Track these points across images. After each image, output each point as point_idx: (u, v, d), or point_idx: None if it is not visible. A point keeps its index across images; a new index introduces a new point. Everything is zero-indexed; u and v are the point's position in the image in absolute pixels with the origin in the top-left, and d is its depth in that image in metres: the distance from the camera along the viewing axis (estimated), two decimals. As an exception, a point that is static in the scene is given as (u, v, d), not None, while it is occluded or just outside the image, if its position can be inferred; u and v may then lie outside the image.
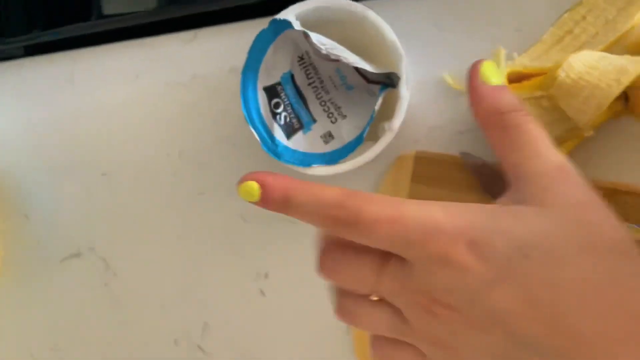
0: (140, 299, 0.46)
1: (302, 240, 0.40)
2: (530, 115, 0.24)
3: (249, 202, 0.24)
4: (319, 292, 0.40)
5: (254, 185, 0.24)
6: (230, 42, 0.42)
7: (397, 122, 0.32)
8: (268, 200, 0.24)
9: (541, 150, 0.24)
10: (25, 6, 0.46)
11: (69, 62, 0.47)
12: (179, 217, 0.44)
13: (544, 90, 0.30)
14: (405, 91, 0.32)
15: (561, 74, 0.29)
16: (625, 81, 0.28)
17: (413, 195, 0.37)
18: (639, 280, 0.21)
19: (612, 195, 0.33)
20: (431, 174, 0.37)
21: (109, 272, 0.47)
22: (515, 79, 0.32)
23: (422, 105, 0.38)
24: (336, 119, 0.35)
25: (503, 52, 0.32)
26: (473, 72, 0.25)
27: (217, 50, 0.42)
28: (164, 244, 0.45)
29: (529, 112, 0.24)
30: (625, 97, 0.33)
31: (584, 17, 0.33)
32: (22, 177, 0.48)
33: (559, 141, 0.32)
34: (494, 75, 0.25)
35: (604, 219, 0.22)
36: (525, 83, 0.32)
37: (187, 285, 0.44)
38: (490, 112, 0.25)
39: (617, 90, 0.28)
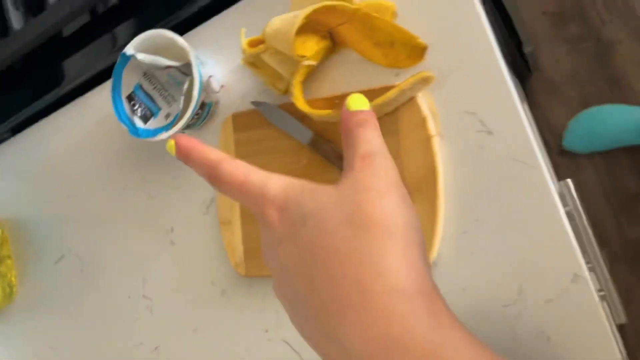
0: (102, 274, 0.64)
1: (192, 203, 0.58)
2: (367, 124, 0.29)
3: (172, 154, 0.32)
4: (209, 234, 0.57)
5: (172, 143, 0.31)
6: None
7: (195, 91, 0.51)
8: (178, 154, 0.31)
9: (358, 145, 0.29)
10: (6, 90, 0.69)
11: (37, 131, 0.69)
12: (112, 207, 0.63)
13: (267, 44, 0.48)
14: (195, 71, 0.51)
15: (266, 30, 0.47)
16: (297, 23, 0.46)
17: (238, 139, 0.55)
18: (372, 254, 0.25)
19: (344, 97, 0.49)
20: (244, 123, 0.55)
21: (82, 263, 0.66)
22: (255, 44, 0.50)
23: (235, 86, 0.56)
24: (171, 104, 0.55)
25: (243, 31, 0.50)
26: (344, 103, 0.31)
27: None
28: (109, 232, 0.64)
29: (369, 123, 0.30)
30: (331, 37, 0.50)
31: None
32: (23, 216, 0.70)
33: (294, 73, 0.50)
34: (355, 103, 0.30)
35: (375, 202, 0.26)
36: (261, 45, 0.50)
37: (127, 256, 0.63)
38: (342, 129, 0.30)
39: (293, 30, 0.45)
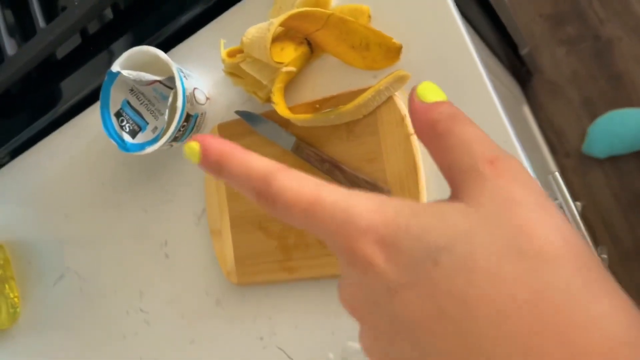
0: (101, 291, 0.65)
1: (184, 215, 0.59)
2: (465, 120, 0.22)
3: (193, 162, 0.23)
4: (201, 245, 0.58)
5: (195, 146, 0.23)
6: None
7: (179, 102, 0.52)
8: (205, 163, 0.23)
9: (472, 147, 0.21)
10: (4, 115, 0.71)
11: (34, 153, 0.71)
12: (108, 224, 0.64)
13: (245, 52, 0.49)
14: (178, 83, 0.52)
15: (243, 39, 0.48)
16: (272, 29, 0.46)
17: (224, 151, 0.55)
18: (572, 297, 0.17)
19: (327, 100, 0.50)
20: (229, 133, 0.55)
21: (81, 280, 0.67)
22: (234, 54, 0.51)
23: (220, 97, 0.57)
24: (158, 118, 0.56)
25: (223, 42, 0.51)
26: (411, 95, 0.23)
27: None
28: (106, 248, 0.65)
29: (464, 117, 0.22)
30: (309, 44, 0.51)
31: None
32: (23, 238, 0.71)
33: (274, 80, 0.50)
34: (429, 93, 0.23)
35: (539, 220, 0.18)
36: (239, 54, 0.50)
37: (123, 271, 0.63)
38: (424, 126, 0.23)
39: (268, 37, 0.46)
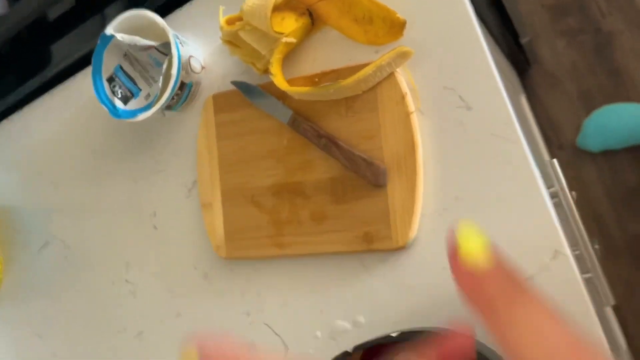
0: (87, 260, 0.64)
1: (174, 186, 0.57)
2: (526, 297, 0.21)
3: None
4: (191, 218, 0.56)
5: (194, 356, 0.22)
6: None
7: (174, 69, 0.50)
8: None
9: (542, 332, 0.20)
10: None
11: (22, 117, 0.69)
12: (97, 193, 0.63)
13: (244, 21, 0.48)
14: (174, 49, 0.50)
15: (243, 6, 0.47)
16: (273, -3, 0.45)
17: (219, 120, 0.54)
18: None
19: (327, 74, 0.49)
20: (224, 104, 0.54)
21: (66, 249, 0.65)
22: (233, 22, 0.49)
23: (216, 66, 0.56)
24: (152, 85, 0.54)
25: (222, 9, 0.50)
26: (452, 254, 0.22)
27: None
28: (93, 217, 0.63)
29: (525, 292, 0.21)
30: (311, 15, 0.50)
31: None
32: (7, 203, 0.70)
33: (272, 52, 0.49)
34: (472, 248, 0.22)
35: None
36: (238, 22, 0.49)
37: (110, 241, 0.62)
38: (475, 295, 0.22)
39: (270, 4, 0.45)
